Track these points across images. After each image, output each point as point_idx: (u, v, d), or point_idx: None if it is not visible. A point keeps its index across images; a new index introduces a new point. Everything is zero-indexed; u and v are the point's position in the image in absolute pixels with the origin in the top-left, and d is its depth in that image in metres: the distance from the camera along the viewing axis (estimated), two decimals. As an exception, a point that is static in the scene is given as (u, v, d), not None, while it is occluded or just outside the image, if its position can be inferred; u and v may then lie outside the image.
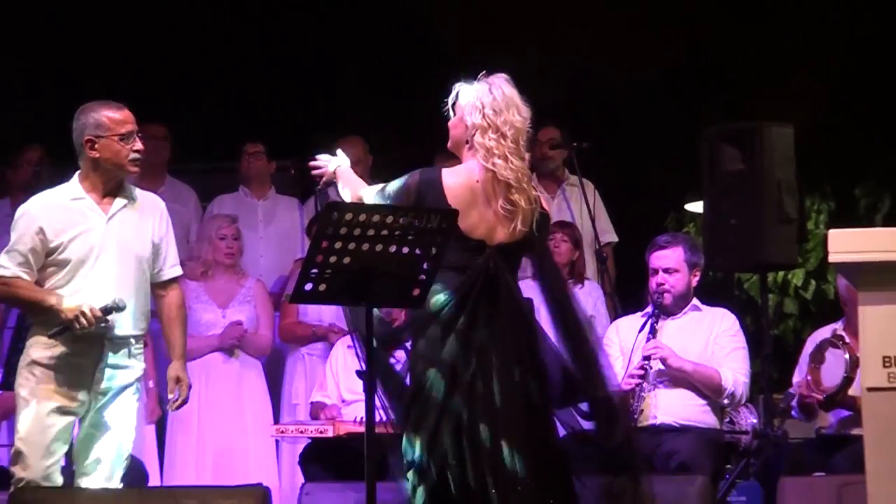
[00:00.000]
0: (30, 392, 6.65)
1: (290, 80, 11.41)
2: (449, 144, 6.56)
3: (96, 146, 6.74)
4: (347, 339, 8.79)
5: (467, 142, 6.41)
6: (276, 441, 9.27)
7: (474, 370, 6.24)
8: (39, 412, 6.62)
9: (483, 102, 6.34)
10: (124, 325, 6.70)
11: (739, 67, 11.27)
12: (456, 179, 6.37)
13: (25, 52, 11.14)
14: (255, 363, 9.47)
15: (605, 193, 9.82)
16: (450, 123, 6.50)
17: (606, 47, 10.92)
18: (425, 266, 6.17)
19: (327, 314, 9.39)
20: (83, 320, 6.53)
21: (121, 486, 6.77)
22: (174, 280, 6.97)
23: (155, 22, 11.31)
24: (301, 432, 8.62)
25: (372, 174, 9.85)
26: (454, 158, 6.61)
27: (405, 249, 6.10)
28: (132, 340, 6.75)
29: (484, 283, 6.29)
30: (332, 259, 6.04)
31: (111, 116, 6.75)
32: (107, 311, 6.58)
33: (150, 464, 9.02)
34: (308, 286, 6.11)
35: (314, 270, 6.08)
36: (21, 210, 6.81)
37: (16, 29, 11.15)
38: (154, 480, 8.86)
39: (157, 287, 6.91)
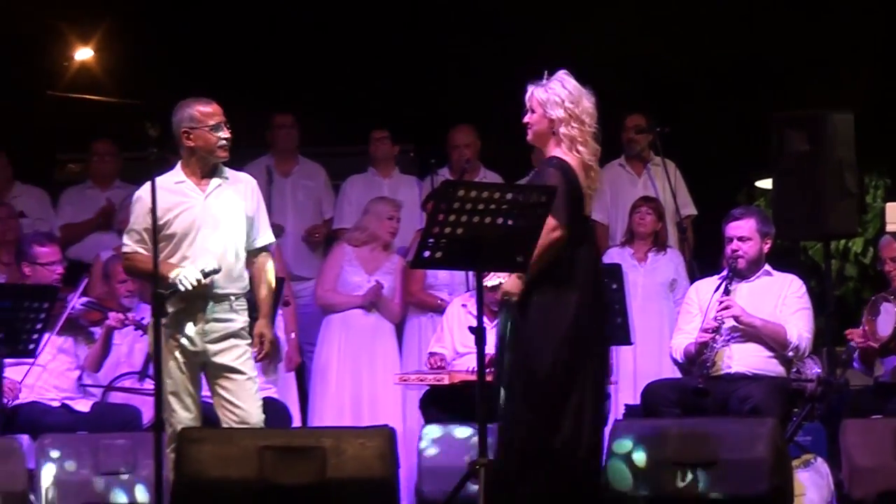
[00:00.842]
0: (156, 350, 6.65)
1: (409, 72, 11.44)
2: (530, 138, 6.57)
3: (191, 136, 6.81)
4: (462, 298, 8.91)
5: (554, 133, 6.45)
6: (400, 387, 9.27)
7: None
8: (164, 360, 6.66)
9: (561, 97, 6.40)
10: (222, 285, 6.76)
11: (800, 57, 11.18)
12: None
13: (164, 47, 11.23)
14: (390, 326, 9.51)
15: (685, 172, 9.81)
16: (529, 119, 6.51)
17: (684, 42, 10.88)
18: (529, 236, 6.22)
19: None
20: (186, 283, 6.63)
21: (261, 420, 6.79)
22: (264, 248, 6.99)
23: (294, 22, 11.37)
24: (421, 380, 8.67)
25: (484, 160, 10.00)
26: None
27: (510, 221, 6.15)
28: (232, 297, 6.79)
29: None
30: (447, 230, 6.11)
31: (202, 110, 6.82)
32: (205, 274, 6.65)
33: (291, 407, 9.06)
34: (426, 253, 6.19)
35: (431, 240, 6.16)
36: (135, 195, 6.90)
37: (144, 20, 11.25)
38: (296, 422, 8.87)
39: (250, 254, 6.94)
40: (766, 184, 11.03)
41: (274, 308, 7.14)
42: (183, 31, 11.22)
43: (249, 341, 6.87)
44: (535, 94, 6.46)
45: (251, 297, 6.98)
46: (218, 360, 6.78)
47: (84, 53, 11.96)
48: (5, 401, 7.66)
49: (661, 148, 9.48)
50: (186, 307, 6.73)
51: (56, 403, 8.27)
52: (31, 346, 7.88)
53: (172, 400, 6.72)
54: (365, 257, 9.41)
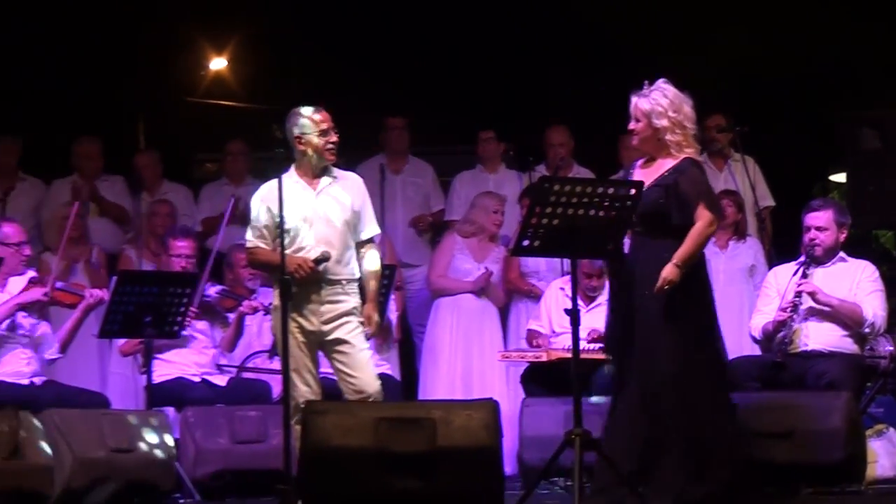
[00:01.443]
0: (277, 331, 6.78)
1: (510, 76, 11.44)
2: (636, 143, 6.52)
3: (302, 141, 6.85)
4: (560, 282, 8.88)
5: (659, 140, 6.41)
6: (503, 364, 9.27)
7: None
8: (289, 342, 6.67)
9: (664, 106, 6.37)
10: (334, 271, 6.78)
11: (872, 60, 11.06)
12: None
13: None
14: (495, 310, 9.50)
15: (764, 167, 9.74)
16: (634, 127, 6.46)
17: (763, 48, 10.79)
18: (618, 226, 6.23)
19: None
20: (301, 271, 6.66)
21: (379, 389, 6.82)
22: (370, 239, 7.01)
23: (407, 36, 11.41)
24: (521, 357, 8.67)
25: (577, 157, 9.99)
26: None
27: (601, 213, 6.14)
28: (343, 282, 6.81)
29: None
30: (544, 221, 6.12)
31: (313, 117, 6.85)
32: (317, 262, 6.69)
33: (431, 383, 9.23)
34: (525, 242, 6.21)
35: (530, 230, 6.17)
36: (255, 195, 6.96)
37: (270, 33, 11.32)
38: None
39: (358, 245, 6.96)
40: (839, 177, 10.97)
41: (386, 292, 7.16)
42: (305, 41, 11.28)
43: (361, 319, 6.89)
44: (639, 104, 6.43)
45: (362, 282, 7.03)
46: (332, 336, 6.81)
47: (218, 63, 12.11)
48: None
49: (740, 145, 9.42)
50: (302, 292, 6.75)
51: (197, 379, 8.37)
52: (176, 328, 7.98)
53: (294, 376, 6.74)
54: (474, 247, 9.43)
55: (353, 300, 6.88)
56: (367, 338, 6.94)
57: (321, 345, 6.87)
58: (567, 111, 10.43)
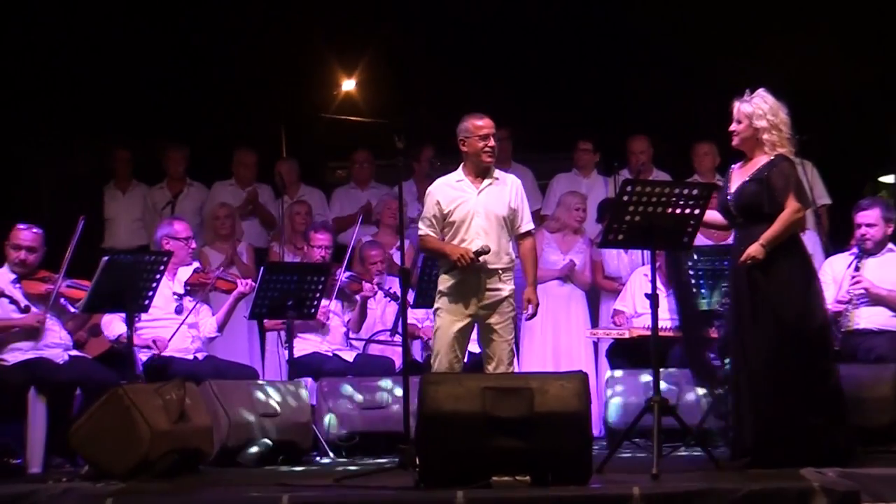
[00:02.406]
0: (439, 310, 6.83)
1: (598, 94, 11.41)
2: (736, 142, 6.47)
3: (465, 143, 6.89)
4: (644, 269, 8.81)
5: (757, 140, 6.39)
6: (592, 341, 9.29)
7: None
8: (444, 322, 6.77)
9: (763, 110, 6.35)
10: (492, 261, 6.78)
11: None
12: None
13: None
14: (582, 293, 9.49)
15: (820, 169, 9.63)
16: (735, 128, 6.42)
17: (822, 65, 10.67)
18: (692, 222, 6.23)
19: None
20: (463, 261, 6.71)
21: (510, 369, 6.85)
22: (528, 233, 7.00)
23: (508, 58, 11.41)
24: (607, 334, 8.67)
25: (655, 162, 9.94)
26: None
27: (678, 211, 6.16)
28: (500, 271, 6.81)
29: None
30: (627, 217, 6.14)
31: (475, 123, 6.88)
32: (477, 253, 6.69)
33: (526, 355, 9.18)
34: (611, 236, 6.25)
35: (615, 225, 6.21)
36: (428, 190, 7.00)
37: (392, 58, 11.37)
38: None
39: (517, 238, 6.97)
40: (888, 178, 10.81)
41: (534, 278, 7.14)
42: (422, 66, 11.33)
43: (512, 307, 6.88)
44: (742, 108, 6.40)
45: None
46: (487, 322, 6.82)
47: (348, 85, 12.19)
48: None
49: (800, 150, 9.31)
50: (465, 279, 6.78)
51: (329, 354, 8.47)
52: (313, 311, 8.05)
53: (443, 351, 6.76)
54: (559, 240, 9.43)
55: (508, 288, 6.87)
56: (527, 319, 6.98)
57: (476, 325, 6.88)
58: (647, 122, 10.39)
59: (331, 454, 7.61)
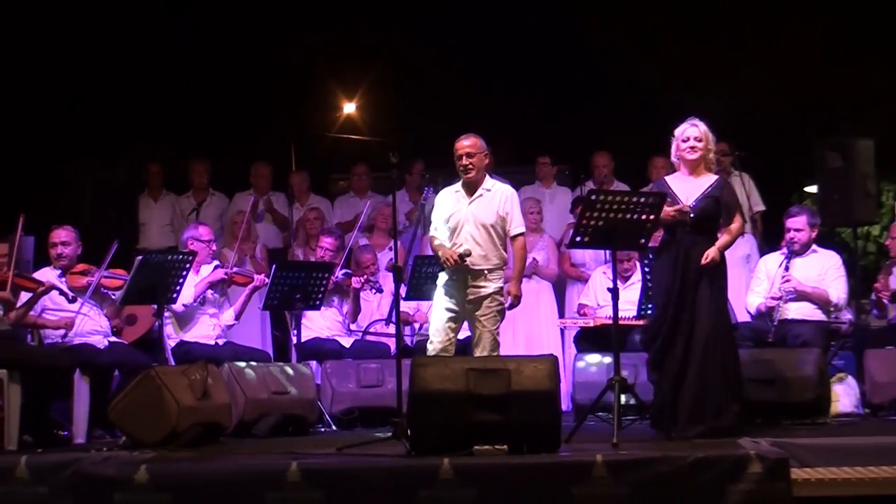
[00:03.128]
0: (434, 301, 6.84)
1: (563, 114, 11.40)
2: (695, 157, 6.43)
3: (454, 161, 6.85)
4: (603, 267, 8.81)
5: (706, 159, 6.44)
6: (560, 329, 9.26)
7: None
8: (437, 312, 6.75)
9: (710, 135, 6.42)
10: (478, 263, 6.74)
11: (837, 99, 10.91)
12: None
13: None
14: (548, 284, 9.44)
15: (756, 182, 9.63)
16: (698, 146, 6.39)
17: (756, 90, 10.69)
18: (647, 226, 6.22)
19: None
20: (448, 262, 6.67)
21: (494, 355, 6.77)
22: (518, 234, 6.90)
23: (482, 83, 11.40)
24: (574, 323, 8.65)
25: (616, 175, 9.92)
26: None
27: (635, 216, 6.15)
28: (486, 271, 6.74)
29: None
30: (592, 222, 6.13)
31: (455, 145, 6.84)
32: (461, 256, 6.69)
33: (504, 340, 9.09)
34: (578, 238, 6.23)
35: (581, 229, 6.19)
36: (434, 199, 6.96)
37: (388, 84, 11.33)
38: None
39: (510, 240, 6.90)
40: (812, 188, 10.83)
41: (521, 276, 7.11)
42: (412, 92, 11.32)
43: (498, 303, 6.79)
44: (700, 128, 6.43)
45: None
46: (473, 314, 6.78)
47: (349, 108, 12.16)
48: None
49: (738, 165, 9.32)
50: (456, 277, 6.75)
51: (329, 338, 8.39)
52: (317, 303, 8.00)
53: (433, 334, 6.76)
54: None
55: (492, 286, 6.77)
56: (508, 309, 6.87)
57: (466, 318, 6.83)
58: (608, 139, 10.39)
59: (333, 426, 7.57)
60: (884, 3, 10.61)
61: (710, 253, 6.26)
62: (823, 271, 7.87)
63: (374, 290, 8.52)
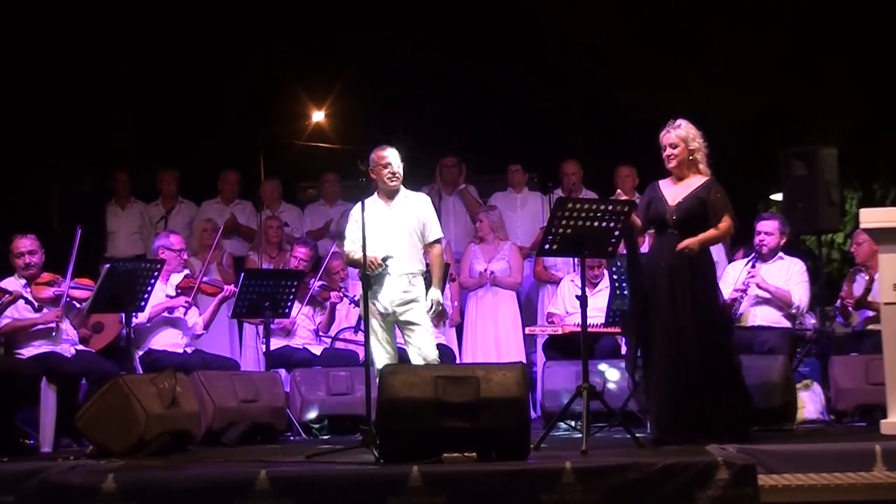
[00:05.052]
0: (364, 315, 6.70)
1: (535, 124, 11.43)
2: (673, 165, 6.31)
3: (372, 171, 6.84)
4: (572, 275, 8.78)
5: (691, 161, 6.29)
6: (526, 335, 9.16)
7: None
8: (371, 321, 6.66)
9: (693, 134, 6.29)
10: (400, 267, 6.75)
11: (802, 109, 10.99)
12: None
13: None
14: (510, 293, 9.32)
15: (726, 187, 9.63)
16: (673, 152, 6.28)
17: (723, 100, 10.75)
18: (616, 233, 6.19)
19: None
20: (371, 267, 6.61)
21: (436, 357, 6.80)
22: (436, 241, 6.93)
23: (458, 93, 11.41)
24: (543, 331, 8.59)
25: (584, 183, 9.93)
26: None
27: (604, 224, 6.12)
28: (409, 275, 6.77)
29: None
30: (560, 230, 6.09)
31: (378, 154, 6.84)
32: (384, 259, 6.69)
33: (467, 351, 9.12)
34: (546, 245, 6.20)
35: (550, 237, 6.15)
36: (350, 212, 6.92)
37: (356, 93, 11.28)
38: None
39: (426, 246, 6.91)
40: (777, 197, 10.87)
41: (443, 282, 7.13)
42: (380, 101, 11.33)
43: (424, 303, 6.82)
44: (676, 133, 6.29)
45: (427, 275, 6.98)
46: (402, 318, 6.79)
47: (317, 116, 12.16)
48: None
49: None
50: (380, 284, 6.74)
51: (300, 347, 8.39)
52: (287, 311, 7.98)
53: (376, 346, 6.74)
54: (483, 250, 9.28)
55: (417, 289, 6.82)
56: (432, 317, 6.86)
57: (396, 323, 6.85)
58: (578, 148, 10.40)
59: (302, 434, 7.53)
60: (846, 12, 10.71)
61: (689, 242, 6.14)
62: (788, 277, 7.92)
63: (352, 304, 8.49)
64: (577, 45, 11.20)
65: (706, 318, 6.13)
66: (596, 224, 6.10)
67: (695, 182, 6.31)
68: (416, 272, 6.85)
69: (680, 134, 6.29)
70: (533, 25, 11.37)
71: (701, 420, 6.00)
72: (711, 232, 6.22)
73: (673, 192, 6.34)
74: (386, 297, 6.77)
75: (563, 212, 6.08)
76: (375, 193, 6.93)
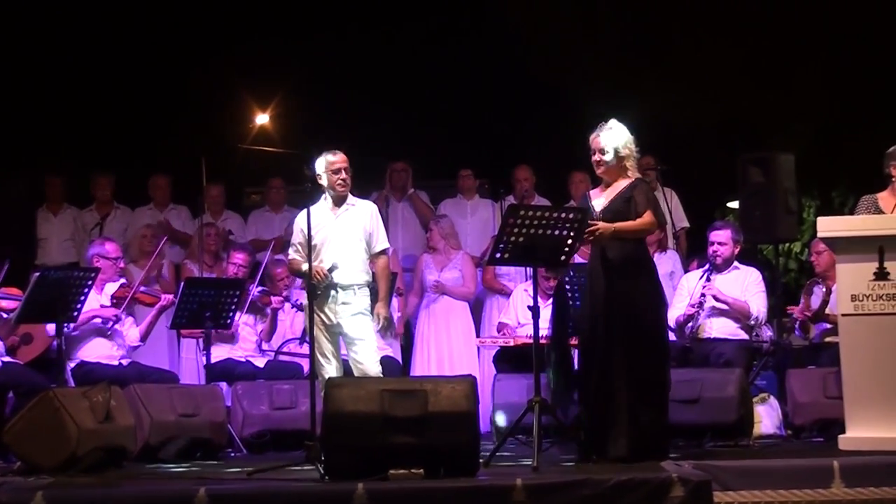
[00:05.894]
0: (308, 328, 6.64)
1: (487, 128, 11.44)
2: (602, 172, 6.29)
3: (321, 177, 6.83)
4: (525, 285, 8.81)
5: (621, 167, 6.23)
6: (478, 347, 9.18)
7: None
8: (316, 334, 6.59)
9: (624, 139, 6.22)
10: (345, 277, 6.75)
11: (759, 114, 11.09)
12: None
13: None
14: (462, 304, 9.30)
15: (681, 196, 9.72)
16: (601, 159, 6.22)
17: (680, 103, 10.82)
18: (568, 242, 6.16)
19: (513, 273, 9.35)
20: (317, 276, 6.60)
21: (378, 372, 6.78)
22: (382, 252, 6.94)
23: (405, 98, 11.40)
24: (494, 342, 8.60)
25: (537, 189, 9.94)
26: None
27: (556, 232, 6.10)
28: (355, 286, 6.77)
29: None
30: (512, 238, 6.08)
31: (328, 159, 6.83)
32: (330, 269, 6.69)
33: (417, 364, 9.06)
34: (497, 255, 6.18)
35: (501, 245, 6.13)
36: (295, 219, 6.94)
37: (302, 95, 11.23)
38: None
39: (372, 257, 6.92)
40: (734, 204, 10.97)
41: (389, 294, 7.12)
42: (327, 103, 11.30)
43: (370, 317, 6.82)
44: (607, 138, 6.22)
45: (374, 287, 6.98)
46: (346, 330, 6.78)
47: (262, 119, 12.10)
48: None
49: (661, 179, 9.39)
50: (324, 294, 6.72)
51: (243, 360, 8.36)
52: (228, 321, 7.92)
53: (321, 359, 6.74)
54: (435, 260, 9.27)
55: (363, 301, 6.81)
56: (378, 331, 6.85)
57: (340, 335, 6.83)
58: (530, 153, 10.42)
59: (244, 450, 7.47)
60: (805, 19, 10.83)
61: (601, 225, 6.07)
62: (744, 287, 7.98)
63: (294, 308, 8.43)
64: (532, 41, 11.23)
65: (634, 331, 6.05)
66: (549, 232, 6.07)
67: (622, 184, 6.27)
68: (362, 283, 6.83)
69: (611, 139, 6.23)
70: (485, 25, 11.40)
71: (612, 437, 5.97)
72: (629, 224, 6.13)
73: (601, 199, 6.30)
74: (331, 309, 6.76)
75: (515, 219, 6.06)
76: (322, 199, 6.90)
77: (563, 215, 6.14)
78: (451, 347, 9.23)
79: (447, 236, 9.31)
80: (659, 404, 6.07)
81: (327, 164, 6.83)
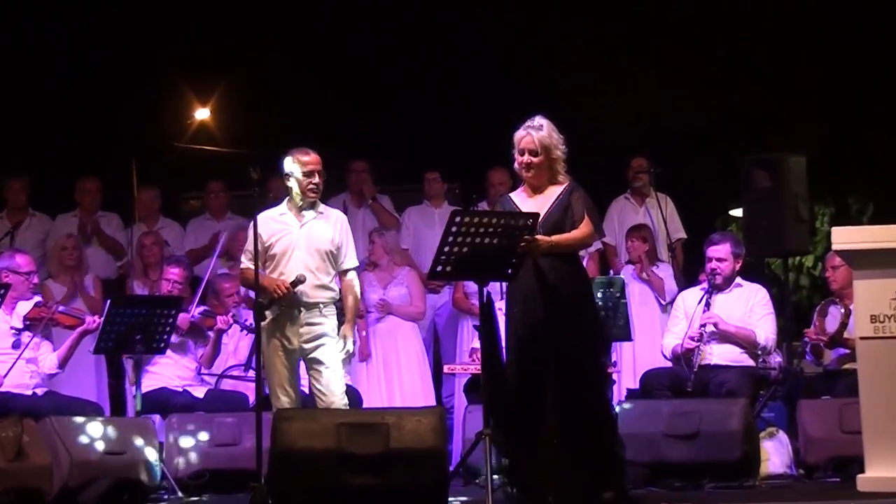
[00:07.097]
0: (264, 346, 6.70)
1: (457, 127, 11.46)
2: (531, 175, 6.18)
3: (289, 179, 6.80)
4: (499, 304, 8.76)
5: (552, 170, 6.15)
6: (444, 374, 9.13)
7: None
8: (270, 359, 6.65)
9: (556, 140, 6.13)
10: (311, 295, 6.72)
11: (765, 112, 11.15)
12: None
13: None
14: (411, 325, 9.23)
15: (677, 203, 9.73)
16: (533, 161, 6.11)
17: (678, 102, 10.87)
18: (517, 253, 6.01)
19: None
20: (278, 291, 6.59)
21: (345, 404, 6.78)
22: (351, 269, 6.94)
23: (371, 91, 11.40)
24: (464, 370, 8.60)
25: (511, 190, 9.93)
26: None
27: (504, 241, 5.95)
28: (321, 305, 6.75)
29: None
30: (455, 249, 5.96)
31: (300, 158, 6.79)
32: (293, 283, 6.64)
33: (363, 392, 8.96)
34: (439, 268, 6.05)
35: (443, 257, 5.99)
36: (250, 225, 6.81)
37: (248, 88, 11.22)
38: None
39: (340, 274, 6.90)
40: (737, 212, 11.01)
41: (356, 317, 7.08)
42: (277, 97, 11.29)
43: (337, 340, 6.80)
44: (538, 139, 6.11)
45: (340, 305, 6.94)
46: (310, 355, 6.75)
47: (202, 114, 12.06)
48: None
49: (655, 184, 9.40)
50: (285, 313, 6.69)
51: (179, 389, 8.29)
52: (162, 345, 7.84)
53: (277, 389, 6.70)
54: (377, 277, 9.20)
55: (330, 322, 6.79)
56: (343, 354, 6.82)
57: (301, 360, 6.79)
58: (506, 155, 10.41)
59: (179, 492, 7.40)
60: (810, 6, 10.89)
61: (539, 239, 5.97)
62: (749, 309, 7.97)
63: (244, 330, 8.39)
64: (512, 36, 11.27)
65: (573, 362, 5.99)
66: (496, 241, 5.94)
67: (555, 192, 6.18)
68: (328, 301, 6.80)
69: (542, 139, 6.15)
70: (466, 18, 11.43)
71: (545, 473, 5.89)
72: (565, 236, 6.07)
73: (530, 206, 6.18)
74: (293, 331, 6.71)
75: (458, 227, 5.92)
76: (285, 204, 6.87)
77: (513, 222, 5.99)
78: (400, 374, 9.15)
79: (391, 251, 9.28)
80: (609, 440, 6.02)
81: (300, 166, 6.78)
